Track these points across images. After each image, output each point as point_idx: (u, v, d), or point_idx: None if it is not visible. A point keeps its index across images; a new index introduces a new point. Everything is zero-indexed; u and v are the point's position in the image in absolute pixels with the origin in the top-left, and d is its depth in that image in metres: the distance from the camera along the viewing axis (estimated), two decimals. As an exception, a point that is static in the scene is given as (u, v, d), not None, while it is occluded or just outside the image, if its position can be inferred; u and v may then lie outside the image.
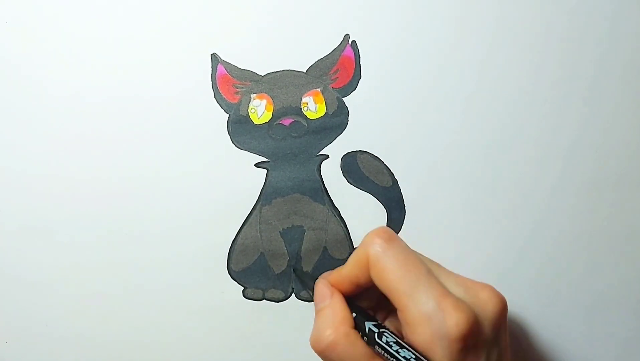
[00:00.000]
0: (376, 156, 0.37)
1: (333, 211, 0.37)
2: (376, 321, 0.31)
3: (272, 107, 0.36)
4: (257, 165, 0.37)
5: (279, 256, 0.37)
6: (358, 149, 0.37)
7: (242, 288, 0.37)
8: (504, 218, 0.37)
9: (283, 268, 0.37)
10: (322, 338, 0.30)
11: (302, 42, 0.36)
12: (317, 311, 0.32)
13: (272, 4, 0.36)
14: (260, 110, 0.37)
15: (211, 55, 0.36)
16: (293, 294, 0.37)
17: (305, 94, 0.36)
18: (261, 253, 0.37)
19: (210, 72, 0.36)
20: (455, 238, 0.37)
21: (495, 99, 0.37)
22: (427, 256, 0.34)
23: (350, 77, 0.37)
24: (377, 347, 0.30)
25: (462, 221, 0.37)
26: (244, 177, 0.37)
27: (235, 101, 0.36)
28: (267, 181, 0.37)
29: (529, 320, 0.38)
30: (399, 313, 0.30)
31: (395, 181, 0.37)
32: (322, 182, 0.37)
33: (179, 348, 0.38)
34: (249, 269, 0.37)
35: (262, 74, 0.36)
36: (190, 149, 0.37)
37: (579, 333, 0.38)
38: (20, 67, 0.36)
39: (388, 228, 0.32)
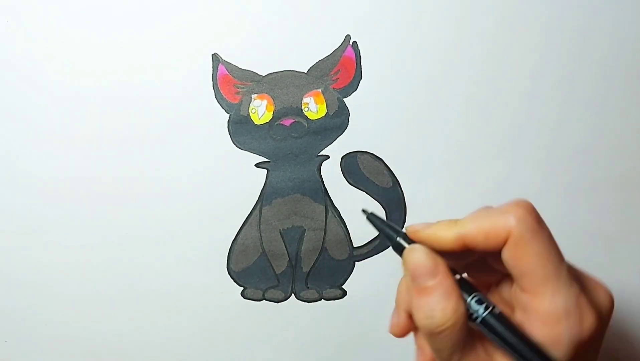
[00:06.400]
0: (377, 157, 0.37)
1: (333, 211, 0.37)
2: (481, 296, 0.27)
3: (272, 108, 0.37)
4: (257, 165, 0.37)
5: (279, 256, 0.37)
6: (358, 150, 0.37)
7: (242, 288, 0.37)
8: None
9: (283, 268, 0.37)
10: (438, 324, 0.26)
11: (303, 42, 0.36)
12: (422, 290, 0.27)
13: (274, 5, 0.36)
14: (260, 110, 0.37)
15: (212, 55, 0.36)
16: (293, 294, 0.37)
17: (306, 95, 0.37)
18: (261, 253, 0.37)
19: (211, 72, 0.36)
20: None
21: (496, 99, 0.37)
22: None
23: (351, 78, 0.37)
24: (485, 328, 0.26)
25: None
26: (244, 178, 0.37)
27: (236, 101, 0.36)
28: (268, 181, 0.37)
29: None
30: (526, 297, 0.26)
31: (395, 182, 0.37)
32: (323, 182, 0.37)
33: (179, 348, 0.38)
34: (248, 269, 0.37)
35: (263, 75, 0.36)
36: (191, 149, 0.37)
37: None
38: (21, 67, 0.36)
39: (533, 206, 0.27)
